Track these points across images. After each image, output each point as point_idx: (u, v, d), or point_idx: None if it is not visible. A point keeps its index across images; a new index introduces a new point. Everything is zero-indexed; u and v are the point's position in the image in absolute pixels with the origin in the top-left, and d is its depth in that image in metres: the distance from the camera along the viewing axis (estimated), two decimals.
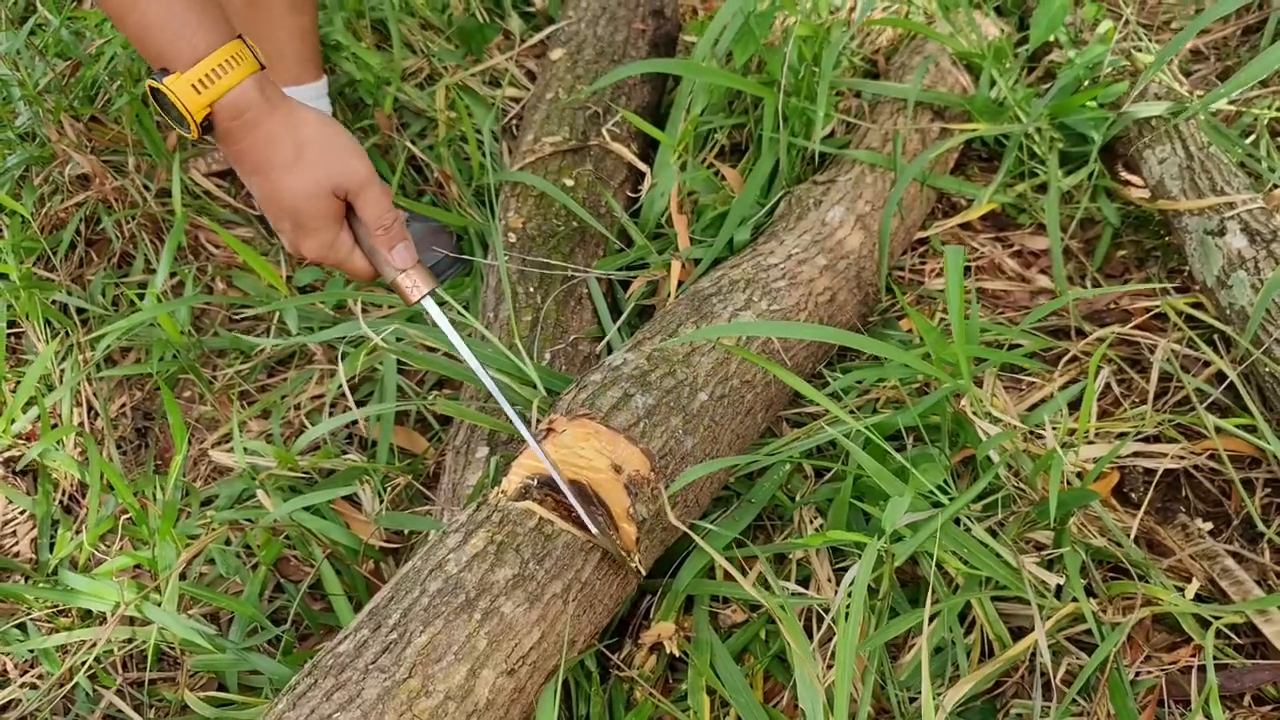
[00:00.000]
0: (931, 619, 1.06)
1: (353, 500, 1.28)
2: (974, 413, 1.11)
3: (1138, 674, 1.08)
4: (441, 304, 1.07)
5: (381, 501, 1.18)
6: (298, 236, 1.01)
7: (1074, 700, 1.05)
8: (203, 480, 1.34)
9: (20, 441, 1.35)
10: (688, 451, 1.09)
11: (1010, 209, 1.65)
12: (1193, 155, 1.50)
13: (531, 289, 1.34)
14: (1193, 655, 1.10)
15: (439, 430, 1.35)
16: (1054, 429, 1.15)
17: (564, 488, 0.97)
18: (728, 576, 1.14)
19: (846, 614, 0.91)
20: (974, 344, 1.13)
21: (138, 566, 1.18)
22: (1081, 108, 1.61)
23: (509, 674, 0.88)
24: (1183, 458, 1.27)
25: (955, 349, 1.05)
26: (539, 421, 1.09)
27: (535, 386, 1.17)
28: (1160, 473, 1.27)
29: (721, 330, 1.12)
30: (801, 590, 1.11)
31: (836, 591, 1.07)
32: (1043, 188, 1.61)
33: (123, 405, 1.42)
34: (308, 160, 0.98)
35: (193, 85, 0.92)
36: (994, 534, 1.11)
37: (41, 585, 1.17)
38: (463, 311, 1.22)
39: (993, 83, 1.67)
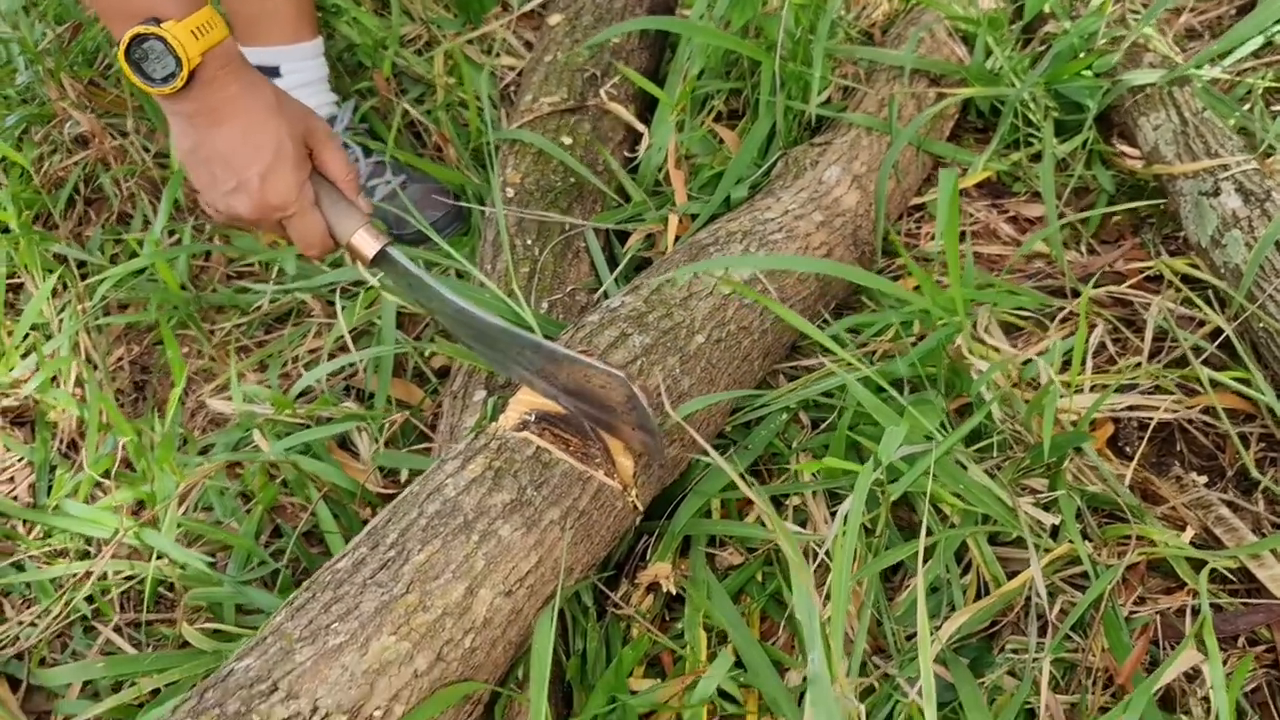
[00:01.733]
0: (928, 555, 1.07)
1: (350, 452, 1.29)
2: (970, 351, 1.11)
3: (1132, 614, 1.09)
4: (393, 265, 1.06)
5: (377, 443, 1.18)
6: (270, 177, 1.00)
7: (1068, 636, 1.05)
8: (200, 430, 1.34)
9: (18, 391, 1.35)
10: (684, 391, 1.10)
11: (1005, 177, 1.66)
12: (1187, 121, 1.51)
13: (529, 241, 1.34)
14: (1188, 597, 1.10)
15: (436, 384, 1.36)
16: (1049, 367, 1.15)
17: (607, 370, 0.96)
18: (724, 516, 1.15)
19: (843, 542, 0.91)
20: (969, 287, 1.14)
21: (139, 505, 1.18)
22: (1076, 76, 1.62)
23: (506, 595, 0.89)
24: (1176, 411, 1.27)
25: (951, 283, 1.05)
26: None
27: (534, 331, 1.18)
28: (1155, 425, 1.27)
29: (719, 264, 1.12)
30: (799, 530, 1.11)
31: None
32: (1038, 156, 1.62)
33: (120, 358, 1.42)
34: (287, 104, 1.02)
35: (192, 31, 0.93)
36: (991, 476, 1.11)
37: (41, 512, 1.16)
38: (462, 261, 1.23)
39: (988, 53, 1.68)
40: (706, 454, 0.98)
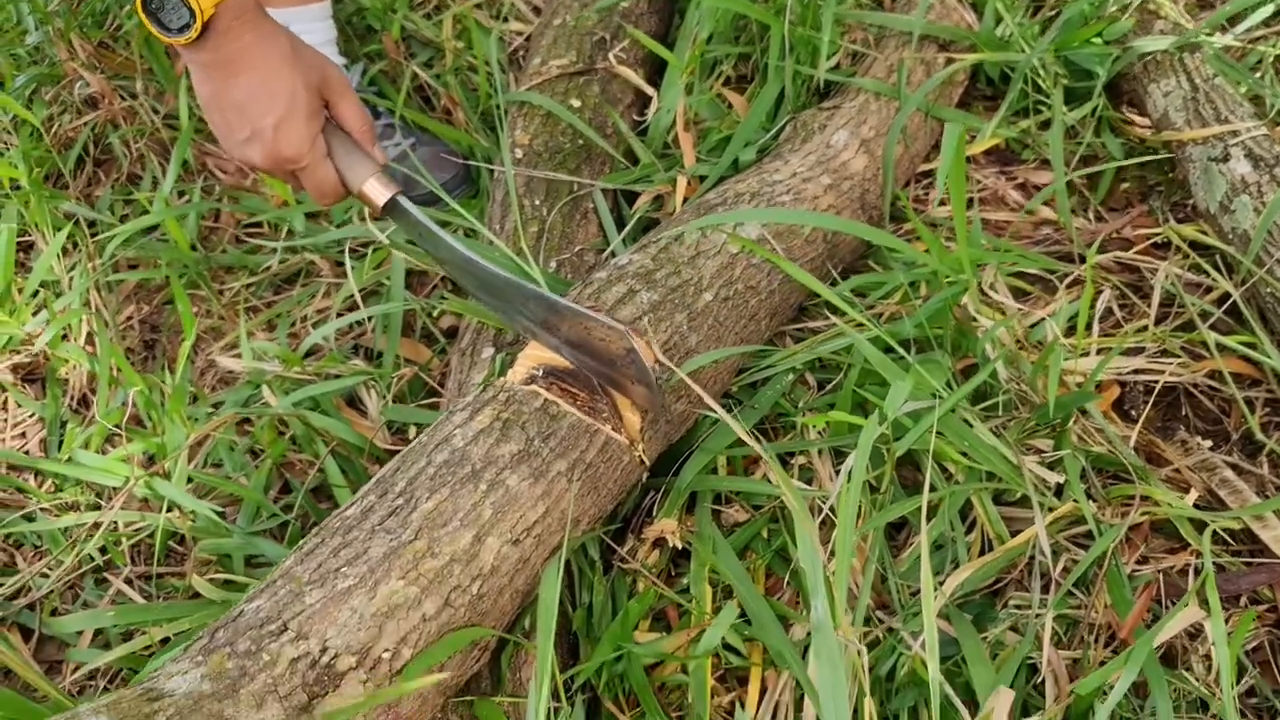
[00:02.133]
0: (933, 510, 1.07)
1: (359, 410, 1.29)
2: (976, 311, 1.11)
3: (1134, 573, 1.09)
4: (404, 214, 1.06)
5: (385, 399, 1.19)
6: (284, 127, 1.00)
7: (1070, 593, 1.06)
8: (210, 388, 1.35)
9: (29, 347, 1.36)
10: (691, 348, 1.10)
11: (1014, 144, 1.65)
12: (1197, 87, 1.51)
13: (538, 202, 1.35)
14: (1191, 557, 1.11)
15: (444, 344, 1.36)
16: (1054, 326, 1.15)
17: (607, 322, 0.96)
18: (731, 473, 1.16)
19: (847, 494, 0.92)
20: (975, 247, 1.14)
21: (149, 460, 1.19)
22: (1086, 42, 1.61)
23: (514, 543, 0.89)
24: (1181, 375, 1.27)
25: (957, 241, 1.05)
26: None
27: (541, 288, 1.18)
28: (1160, 387, 1.28)
29: (728, 218, 1.12)
30: (805, 487, 1.11)
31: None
32: (1047, 124, 1.61)
33: (130, 317, 1.43)
34: (302, 55, 1.02)
35: None
36: (996, 436, 1.11)
37: (53, 463, 1.17)
38: (471, 220, 1.23)
39: (998, 19, 1.67)
40: (712, 410, 0.98)
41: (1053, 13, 1.69)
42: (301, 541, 0.86)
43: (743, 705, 1.01)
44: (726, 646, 1.04)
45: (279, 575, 0.83)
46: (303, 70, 1.01)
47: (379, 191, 1.03)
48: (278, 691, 0.74)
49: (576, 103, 1.47)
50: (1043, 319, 1.24)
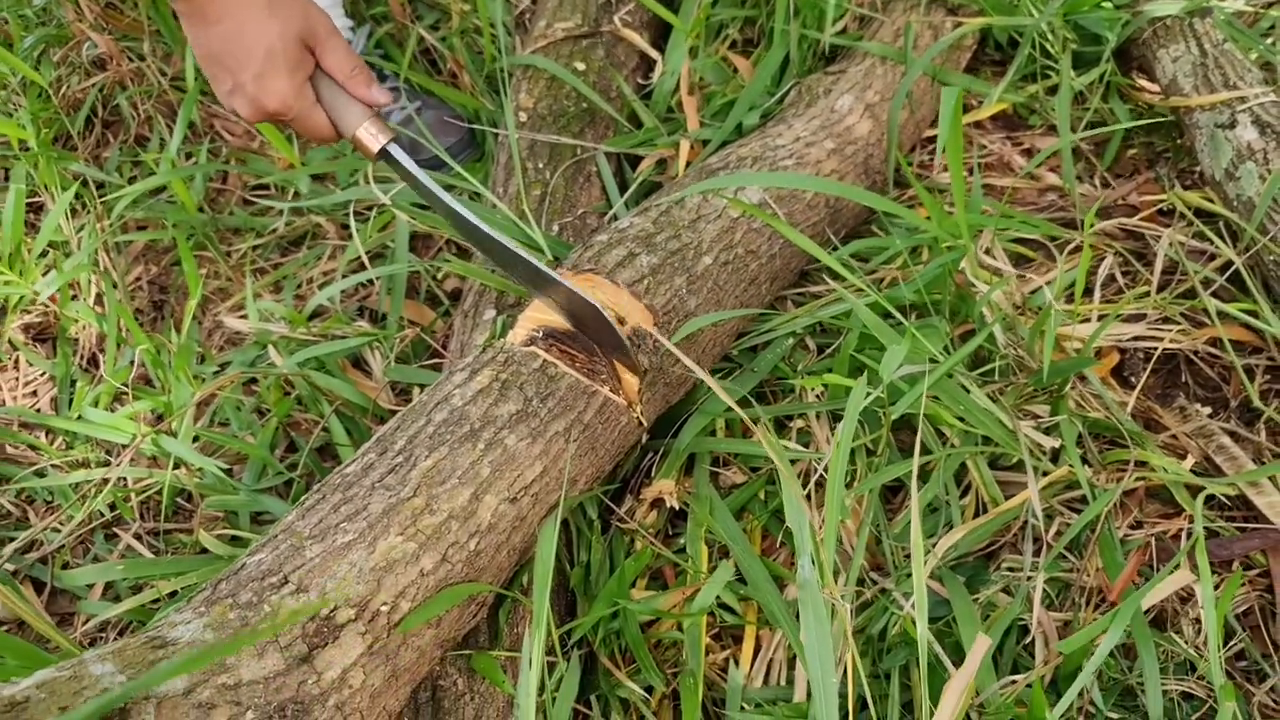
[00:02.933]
0: (927, 474, 1.09)
1: (364, 371, 1.31)
2: (974, 276, 1.12)
3: (1127, 537, 1.10)
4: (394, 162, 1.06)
5: (388, 360, 1.21)
6: (264, 82, 1.00)
7: (1063, 556, 1.07)
8: (217, 349, 1.36)
9: (38, 308, 1.38)
10: (691, 311, 1.11)
11: (1022, 109, 1.64)
12: (1207, 53, 1.50)
13: (541, 165, 1.35)
14: (1185, 522, 1.11)
15: (448, 306, 1.38)
16: (1050, 290, 1.16)
17: (593, 300, 0.98)
18: (729, 435, 1.17)
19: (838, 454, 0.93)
20: (975, 212, 1.14)
21: (157, 419, 1.21)
22: (1096, 7, 1.60)
23: (511, 501, 0.91)
24: (1181, 342, 1.28)
25: (955, 206, 1.06)
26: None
27: (543, 252, 1.19)
28: (1161, 356, 1.28)
29: (729, 182, 1.13)
30: (802, 449, 1.13)
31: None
32: (1054, 89, 1.60)
33: (138, 278, 1.44)
34: (280, 5, 1.00)
35: None
36: (993, 401, 1.12)
37: (64, 419, 1.20)
38: (475, 183, 1.24)
39: None
40: (723, 362, 0.99)
41: None
42: (303, 498, 0.88)
43: (737, 663, 1.03)
44: (722, 605, 1.06)
45: (280, 530, 0.84)
46: (281, 19, 0.99)
47: (372, 138, 1.04)
48: (278, 642, 0.76)
49: (581, 66, 1.47)
50: (1042, 285, 1.24)
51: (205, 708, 0.71)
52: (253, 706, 0.73)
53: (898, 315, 1.08)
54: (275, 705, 0.74)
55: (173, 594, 1.09)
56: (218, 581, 0.80)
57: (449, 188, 1.32)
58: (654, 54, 1.53)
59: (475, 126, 1.55)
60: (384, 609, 0.81)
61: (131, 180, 1.51)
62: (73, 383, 1.31)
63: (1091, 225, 1.14)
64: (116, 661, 0.70)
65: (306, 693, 0.76)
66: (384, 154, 1.04)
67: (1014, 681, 0.96)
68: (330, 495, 0.87)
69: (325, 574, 0.80)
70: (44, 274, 1.36)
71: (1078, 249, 1.37)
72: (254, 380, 1.30)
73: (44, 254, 1.42)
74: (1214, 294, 1.30)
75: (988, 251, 1.21)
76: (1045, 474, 1.09)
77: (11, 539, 1.17)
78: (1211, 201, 1.40)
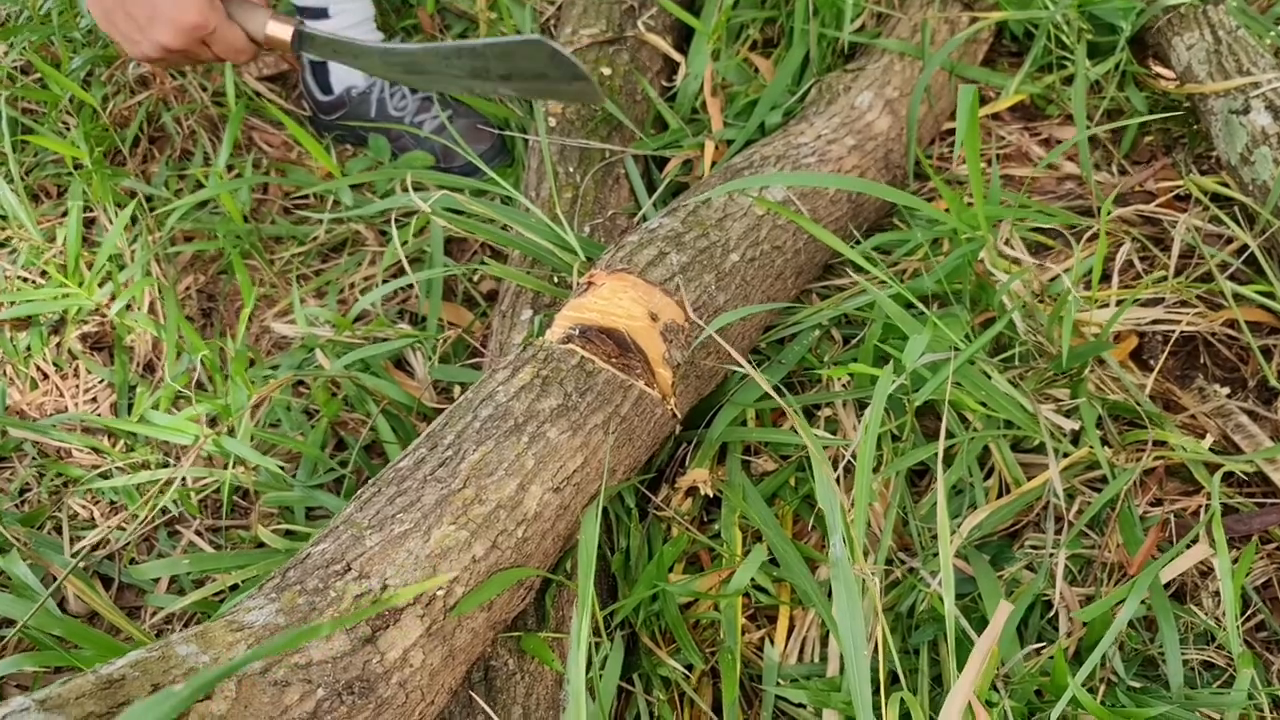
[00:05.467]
0: (951, 457, 1.13)
1: (406, 372, 1.37)
2: (993, 266, 1.16)
3: (1146, 514, 1.14)
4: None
5: (430, 360, 1.26)
6: (179, 11, 1.02)
7: (1084, 534, 1.11)
8: (265, 353, 1.42)
9: (96, 317, 1.44)
10: (720, 306, 1.15)
11: (1039, 100, 1.68)
12: (1220, 40, 1.52)
13: (571, 169, 1.40)
14: (1204, 499, 1.15)
15: (485, 307, 1.43)
16: (1067, 276, 1.19)
17: (518, 39, 1.01)
18: (758, 424, 1.21)
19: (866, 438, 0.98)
20: (994, 204, 1.18)
21: (212, 420, 1.27)
22: None
23: (555, 491, 0.96)
24: (1198, 325, 1.31)
25: (974, 198, 1.10)
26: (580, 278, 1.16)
27: (576, 253, 1.24)
28: (1179, 339, 1.31)
29: (755, 181, 1.17)
30: (829, 436, 1.17)
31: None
32: (1071, 80, 1.64)
33: (188, 287, 1.50)
34: None
35: None
36: (1014, 386, 1.16)
37: (128, 422, 1.26)
38: (508, 188, 1.29)
39: None
40: (750, 355, 1.04)
41: None
42: (359, 491, 0.93)
43: (772, 641, 1.08)
44: (756, 587, 1.10)
45: (340, 521, 0.90)
46: None
47: (283, 30, 1.09)
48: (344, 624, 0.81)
49: (607, 70, 1.52)
50: (1060, 273, 1.27)
51: (280, 685, 0.77)
52: (322, 684, 0.79)
53: (920, 305, 1.13)
54: (343, 683, 0.80)
55: (233, 587, 1.15)
56: (286, 569, 0.85)
57: (481, 193, 1.38)
58: (677, 57, 1.58)
59: (505, 133, 1.61)
60: (440, 593, 0.87)
61: (178, 194, 1.58)
62: (131, 389, 1.37)
63: (1109, 212, 1.18)
64: (199, 643, 0.76)
65: (371, 671, 0.81)
66: (298, 40, 1.09)
67: (1038, 652, 1.00)
68: (385, 488, 0.92)
69: (385, 561, 0.86)
70: (100, 285, 1.42)
71: (1095, 236, 1.40)
72: (300, 383, 1.36)
73: (90, 265, 1.48)
74: (1231, 277, 1.33)
75: (1007, 242, 1.25)
76: (1066, 455, 1.13)
77: (79, 538, 1.24)
78: (1227, 186, 1.43)
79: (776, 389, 1.20)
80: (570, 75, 1.01)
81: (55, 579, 1.15)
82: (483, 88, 1.06)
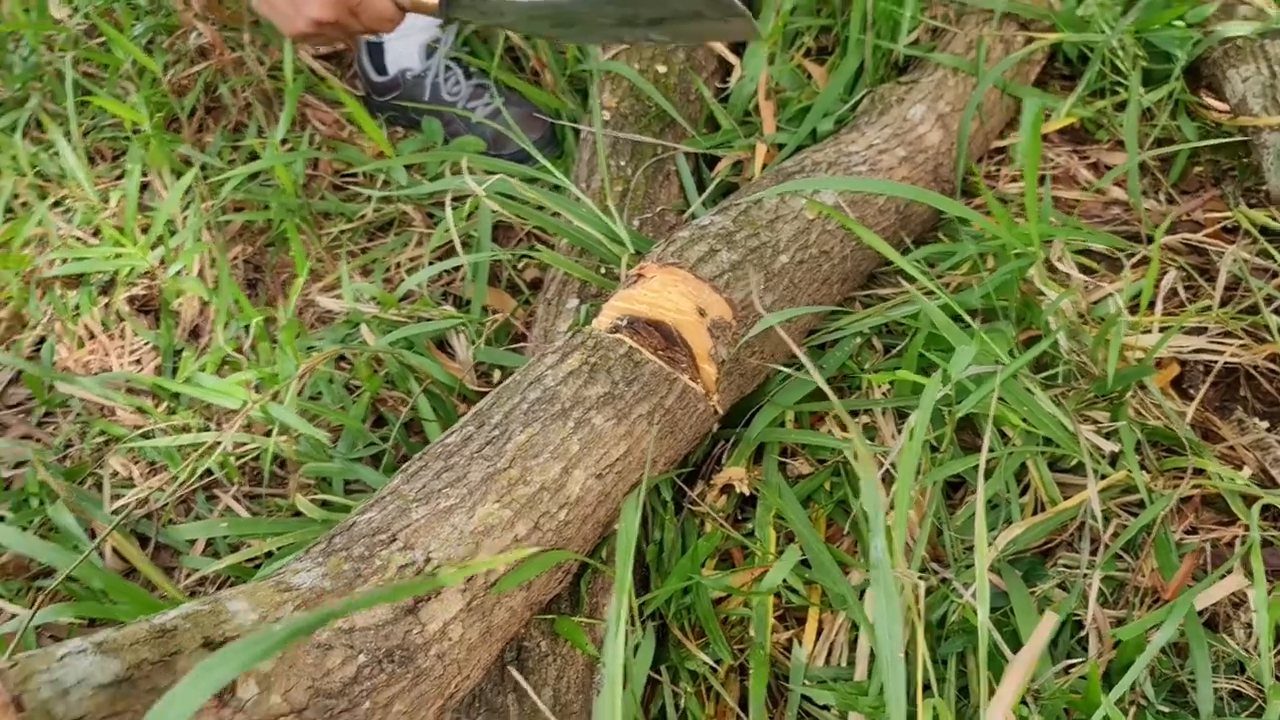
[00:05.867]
0: (989, 472, 1.13)
1: (448, 354, 1.38)
2: (1042, 284, 1.16)
3: (1182, 540, 1.14)
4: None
5: (474, 344, 1.27)
6: None
7: (1119, 556, 1.11)
8: (309, 326, 1.44)
9: (144, 280, 1.46)
10: (767, 306, 1.16)
11: (1089, 124, 1.68)
12: (1277, 74, 1.52)
13: (623, 163, 1.41)
14: (1240, 531, 1.15)
15: (528, 295, 1.44)
16: (1117, 298, 1.19)
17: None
18: (797, 427, 1.22)
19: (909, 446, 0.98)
20: (1045, 222, 1.18)
21: (257, 387, 1.28)
22: (1168, 25, 1.63)
23: (597, 477, 0.97)
24: (1241, 356, 1.31)
25: (1028, 214, 1.10)
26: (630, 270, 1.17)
27: (625, 245, 1.25)
28: (1220, 369, 1.31)
29: (808, 184, 1.18)
30: (868, 443, 1.17)
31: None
32: (1123, 105, 1.63)
33: (235, 256, 1.52)
34: None
35: None
36: (1056, 404, 1.16)
37: (177, 382, 1.27)
38: (560, 176, 1.30)
39: (1080, 0, 1.69)
40: (793, 358, 1.05)
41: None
42: (406, 464, 0.94)
43: (800, 642, 1.08)
44: (787, 588, 1.11)
45: (387, 492, 0.91)
46: None
47: None
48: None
49: (663, 69, 1.53)
50: (1107, 295, 1.27)
51: (324, 648, 0.78)
52: (364, 650, 0.80)
53: (966, 318, 1.13)
54: (384, 651, 0.81)
55: (268, 554, 1.16)
56: (332, 535, 0.86)
57: (532, 180, 1.38)
58: (732, 59, 1.59)
59: (558, 122, 1.62)
60: (481, 569, 0.87)
61: (230, 164, 1.59)
62: (176, 353, 1.39)
63: (1159, 247, 1.18)
64: (248, 600, 0.77)
65: (411, 641, 0.82)
66: (446, 2, 1.09)
67: (1066, 671, 1.00)
68: (433, 463, 0.93)
69: (430, 534, 0.86)
70: (151, 249, 1.44)
71: (1141, 262, 1.40)
72: (341, 359, 1.37)
73: (144, 229, 1.50)
74: (1276, 310, 1.33)
75: (1059, 260, 1.26)
76: (1103, 477, 1.13)
77: (117, 496, 1.25)
78: (1275, 220, 1.43)
79: (823, 392, 1.21)
80: (728, 12, 0.98)
81: (94, 534, 1.17)
82: (631, 34, 1.03)
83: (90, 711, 0.65)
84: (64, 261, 1.43)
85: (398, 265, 1.49)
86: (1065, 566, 1.11)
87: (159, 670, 0.70)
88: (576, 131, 1.62)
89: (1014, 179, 1.60)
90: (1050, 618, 0.81)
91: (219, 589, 1.19)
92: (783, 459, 1.22)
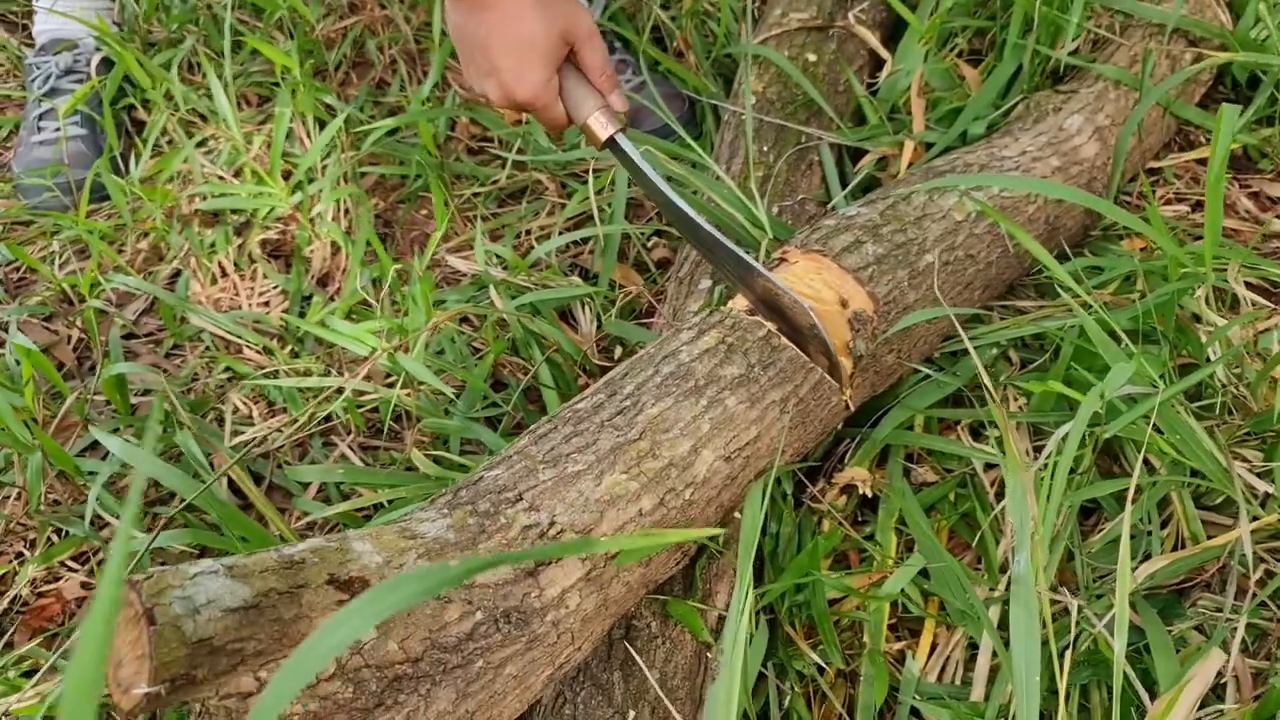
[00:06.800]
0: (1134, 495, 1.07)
1: (570, 326, 1.36)
2: (1205, 308, 1.10)
3: None
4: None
5: (604, 315, 1.25)
6: (521, 72, 1.04)
7: (1264, 604, 1.04)
8: (436, 285, 1.44)
9: (279, 224, 1.48)
10: (909, 304, 1.12)
11: (1253, 151, 1.59)
12: None
13: (765, 148, 1.38)
14: None
15: (655, 274, 1.42)
16: None
17: (793, 296, 1.01)
18: (926, 433, 1.17)
19: (1053, 471, 0.93)
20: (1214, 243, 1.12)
21: (386, 336, 1.29)
22: None
23: (726, 460, 0.94)
24: None
25: (1207, 230, 1.04)
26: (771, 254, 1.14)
27: (764, 229, 1.22)
28: None
29: (959, 181, 1.14)
30: (997, 454, 1.12)
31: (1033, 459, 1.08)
32: None
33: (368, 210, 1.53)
34: (553, 2, 1.04)
35: None
36: (1209, 435, 1.10)
37: (309, 324, 1.28)
38: (701, 153, 1.27)
39: (1256, 20, 1.61)
40: (929, 360, 1.00)
41: None
42: (534, 425, 0.93)
43: (912, 654, 1.04)
44: (905, 597, 1.07)
45: (514, 452, 0.89)
46: (548, 18, 1.02)
47: (601, 128, 1.08)
48: (511, 551, 0.81)
49: (813, 57, 1.50)
50: (1274, 327, 1.20)
51: (443, 600, 0.77)
52: (482, 607, 0.78)
53: (1124, 336, 1.07)
54: (501, 611, 0.79)
55: (377, 506, 1.16)
56: (459, 489, 0.85)
57: (674, 156, 1.36)
58: (884, 53, 1.54)
59: (700, 99, 1.59)
60: (603, 540, 0.85)
61: (370, 119, 1.61)
62: (305, 298, 1.40)
63: None
64: (374, 543, 0.76)
65: (529, 605, 0.81)
66: (610, 144, 1.09)
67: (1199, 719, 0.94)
68: (562, 427, 0.91)
69: (555, 497, 0.85)
70: (290, 194, 1.46)
71: None
72: (464, 320, 1.37)
73: (286, 175, 1.52)
74: None
75: (1232, 282, 1.19)
76: (1254, 519, 1.06)
77: (237, 433, 1.27)
78: None
79: (956, 399, 1.16)
80: (821, 349, 1.03)
81: (214, 466, 1.18)
82: (743, 291, 1.07)
83: (218, 633, 0.65)
84: (206, 198, 1.46)
85: (528, 233, 1.48)
86: (1203, 608, 1.05)
87: (284, 601, 0.69)
88: (716, 115, 1.59)
89: (1168, 201, 1.53)
90: (1214, 661, 0.75)
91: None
92: (907, 464, 1.18)
